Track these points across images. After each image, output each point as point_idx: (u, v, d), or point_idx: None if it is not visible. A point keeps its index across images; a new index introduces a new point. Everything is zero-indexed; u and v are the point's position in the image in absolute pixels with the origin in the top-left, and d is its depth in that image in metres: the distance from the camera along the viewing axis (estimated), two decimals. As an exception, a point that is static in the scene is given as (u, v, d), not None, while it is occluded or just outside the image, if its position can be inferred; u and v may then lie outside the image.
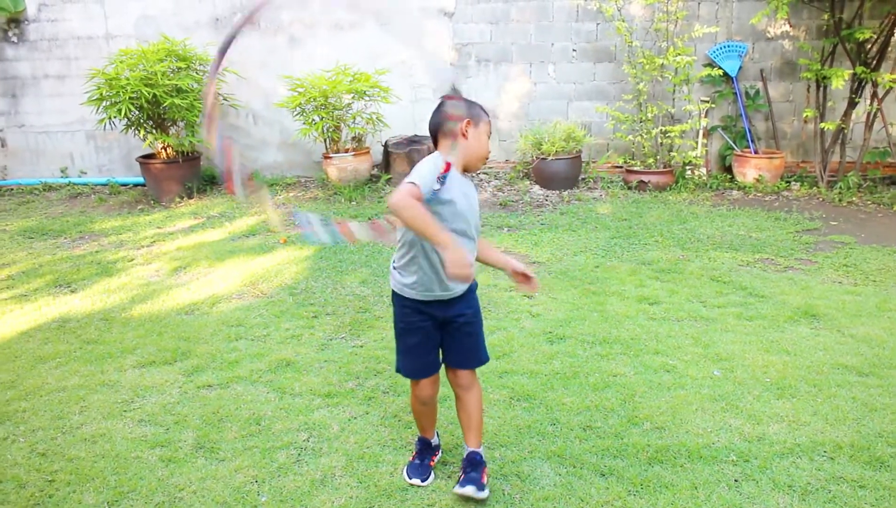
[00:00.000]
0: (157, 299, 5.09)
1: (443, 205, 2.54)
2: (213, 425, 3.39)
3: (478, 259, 2.82)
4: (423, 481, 2.92)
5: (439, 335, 2.79)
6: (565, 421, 3.36)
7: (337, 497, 2.85)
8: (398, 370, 2.89)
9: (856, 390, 3.61)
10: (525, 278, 2.83)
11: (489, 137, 2.75)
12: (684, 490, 2.84)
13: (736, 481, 2.89)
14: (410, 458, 3.04)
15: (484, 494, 2.76)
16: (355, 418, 3.43)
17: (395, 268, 2.75)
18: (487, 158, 2.76)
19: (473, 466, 2.85)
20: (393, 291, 2.79)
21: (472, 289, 2.81)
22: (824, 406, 3.45)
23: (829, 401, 3.50)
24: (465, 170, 2.72)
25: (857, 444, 3.12)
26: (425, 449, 3.04)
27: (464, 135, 2.63)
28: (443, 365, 2.90)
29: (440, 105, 2.69)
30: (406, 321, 2.77)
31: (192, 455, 3.16)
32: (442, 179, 2.49)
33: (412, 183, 2.40)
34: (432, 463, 3.03)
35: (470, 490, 2.74)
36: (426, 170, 2.48)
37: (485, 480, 2.81)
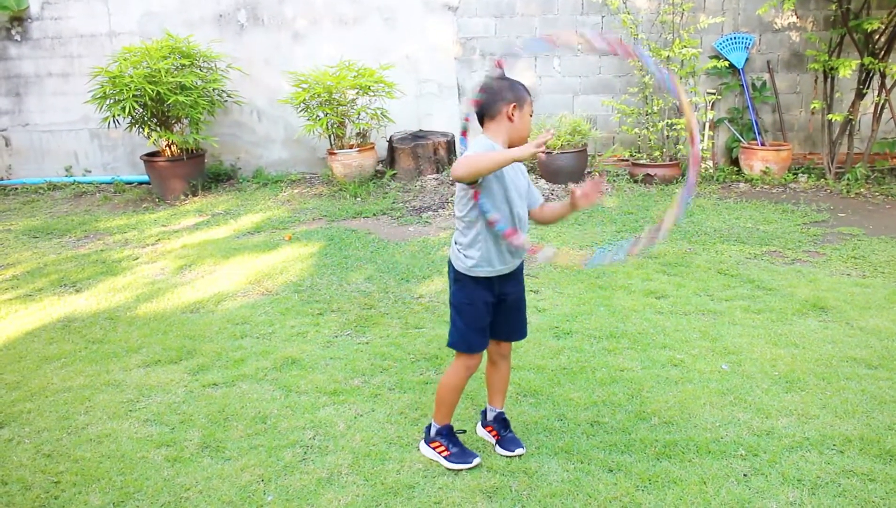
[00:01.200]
0: (163, 298, 5.09)
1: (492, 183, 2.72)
2: (218, 424, 3.38)
3: (546, 221, 3.05)
4: (477, 458, 3.01)
5: (493, 309, 2.95)
6: (572, 417, 3.34)
7: (343, 495, 2.84)
8: (453, 345, 2.99)
9: (865, 383, 3.57)
10: (589, 192, 2.80)
11: (532, 116, 2.85)
12: (693, 485, 2.82)
13: (745, 475, 2.87)
14: (444, 453, 3.01)
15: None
16: (361, 415, 3.42)
17: (458, 249, 2.89)
18: (528, 138, 2.82)
19: (505, 425, 3.14)
20: (456, 270, 2.92)
21: (521, 268, 2.99)
22: (833, 400, 3.42)
23: (839, 394, 3.47)
24: (514, 146, 2.79)
25: (867, 437, 3.10)
26: (452, 434, 3.06)
27: (510, 118, 2.75)
28: None
29: (487, 86, 2.81)
30: (470, 298, 2.90)
31: (198, 454, 3.15)
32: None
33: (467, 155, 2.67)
34: (489, 429, 3.19)
35: (519, 451, 3.06)
36: (481, 148, 2.71)
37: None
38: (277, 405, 3.54)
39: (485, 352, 3.05)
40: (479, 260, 2.82)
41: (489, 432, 3.18)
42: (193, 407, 3.55)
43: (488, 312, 2.93)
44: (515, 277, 2.98)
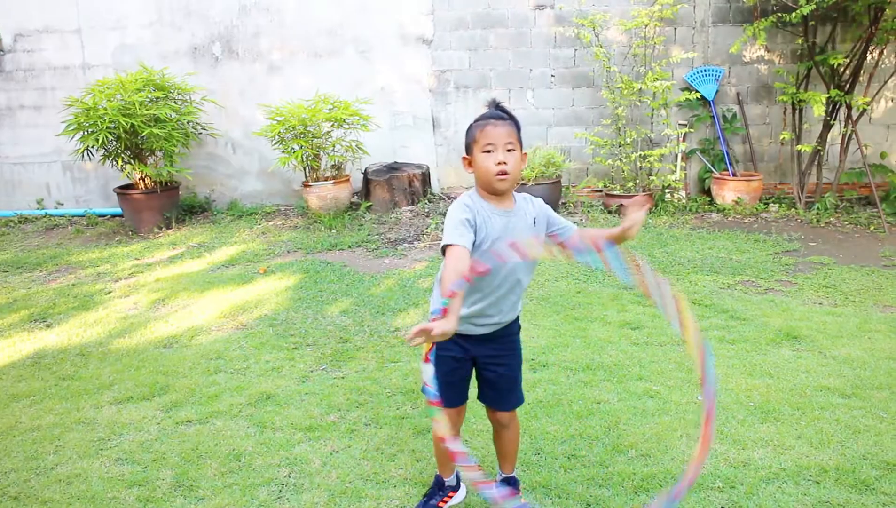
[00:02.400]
0: (135, 333, 5.02)
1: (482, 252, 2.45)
2: (192, 462, 3.32)
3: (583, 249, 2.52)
4: None
5: (471, 368, 2.76)
6: (549, 450, 3.32)
7: (319, 534, 2.79)
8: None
9: (839, 412, 3.60)
10: (634, 209, 2.42)
11: (500, 144, 2.45)
12: (671, 519, 2.80)
13: (723, 508, 2.87)
14: (422, 498, 2.95)
15: None
16: (337, 452, 3.38)
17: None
18: (502, 174, 2.45)
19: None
20: None
21: (507, 336, 2.73)
22: (808, 429, 3.44)
23: (813, 424, 3.49)
24: (495, 193, 2.52)
25: (842, 467, 3.11)
26: (436, 489, 2.96)
27: (469, 168, 2.56)
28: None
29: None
30: (442, 346, 2.49)
31: (171, 494, 3.08)
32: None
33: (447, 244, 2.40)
34: (441, 504, 2.94)
35: None
36: (453, 212, 2.46)
37: (523, 501, 2.86)
38: (252, 441, 3.49)
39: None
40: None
41: None
42: (166, 445, 3.49)
43: (461, 367, 2.70)
44: (493, 342, 2.69)
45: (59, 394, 4.09)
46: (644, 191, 8.17)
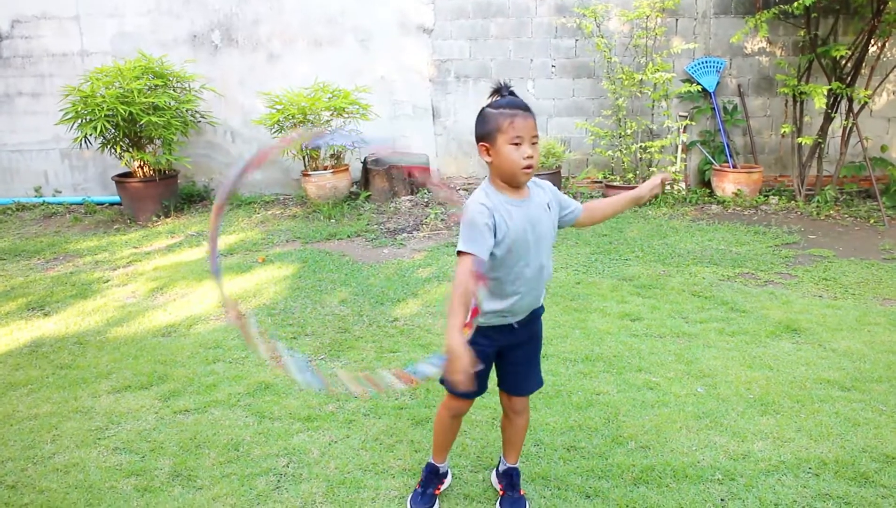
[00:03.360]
0: (134, 322, 5.00)
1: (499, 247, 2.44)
2: (190, 451, 3.31)
3: (598, 220, 2.80)
4: None
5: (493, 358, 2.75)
6: (549, 442, 3.32)
7: (317, 524, 2.78)
8: (441, 381, 2.63)
9: (839, 405, 3.60)
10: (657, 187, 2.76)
11: (527, 137, 2.41)
12: (670, 511, 2.80)
13: (722, 500, 2.86)
14: (416, 486, 2.94)
15: None
16: (336, 442, 3.37)
17: None
18: (528, 168, 2.43)
19: (511, 483, 2.88)
20: None
21: (537, 315, 2.73)
22: (808, 422, 3.44)
23: (813, 417, 3.49)
24: (517, 185, 2.50)
25: (842, 460, 3.11)
26: (431, 477, 2.93)
27: (488, 157, 2.47)
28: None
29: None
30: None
31: (169, 483, 3.07)
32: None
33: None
34: (437, 492, 2.93)
35: None
36: (470, 209, 2.39)
37: (523, 492, 2.89)
38: (250, 431, 3.48)
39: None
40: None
41: (498, 483, 2.98)
42: (164, 434, 3.47)
43: (487, 360, 2.66)
44: (521, 328, 2.67)
45: (57, 383, 4.07)
46: (644, 182, 8.13)
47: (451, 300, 2.23)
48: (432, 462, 2.95)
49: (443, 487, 2.97)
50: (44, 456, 3.32)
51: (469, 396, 2.72)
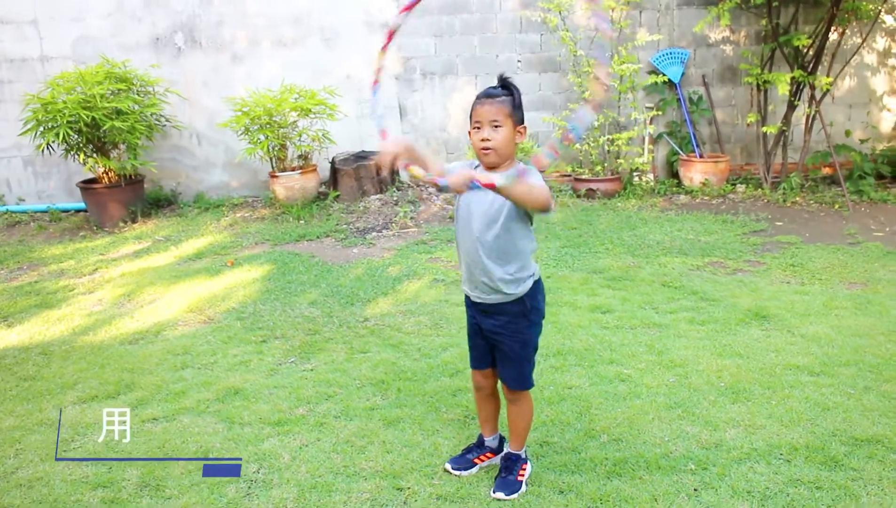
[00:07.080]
0: (100, 330, 4.91)
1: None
2: (158, 461, 3.25)
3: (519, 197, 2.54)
4: (456, 470, 3.05)
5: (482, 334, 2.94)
6: (522, 438, 3.30)
7: (289, 530, 2.74)
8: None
9: (808, 390, 3.63)
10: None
11: (486, 121, 2.62)
12: (644, 503, 2.80)
13: (696, 490, 2.87)
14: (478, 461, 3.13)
15: (513, 496, 2.88)
16: (306, 445, 3.33)
17: None
18: (485, 149, 2.63)
19: (508, 469, 2.97)
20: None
21: (507, 311, 2.81)
22: (779, 408, 3.46)
23: (783, 403, 3.51)
24: (485, 166, 2.71)
25: (812, 445, 3.13)
26: (476, 445, 3.15)
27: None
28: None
29: None
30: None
31: (137, 494, 3.01)
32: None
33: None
34: (477, 461, 3.10)
35: (499, 494, 2.89)
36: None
37: (520, 478, 2.95)
38: (220, 438, 3.43)
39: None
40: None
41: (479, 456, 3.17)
42: (132, 444, 3.41)
43: (472, 330, 2.97)
44: (491, 317, 2.83)
45: (21, 395, 3.98)
46: (612, 174, 8.17)
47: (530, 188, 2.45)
48: (481, 434, 3.16)
49: (486, 462, 3.12)
50: (6, 472, 3.23)
51: (473, 367, 3.05)
